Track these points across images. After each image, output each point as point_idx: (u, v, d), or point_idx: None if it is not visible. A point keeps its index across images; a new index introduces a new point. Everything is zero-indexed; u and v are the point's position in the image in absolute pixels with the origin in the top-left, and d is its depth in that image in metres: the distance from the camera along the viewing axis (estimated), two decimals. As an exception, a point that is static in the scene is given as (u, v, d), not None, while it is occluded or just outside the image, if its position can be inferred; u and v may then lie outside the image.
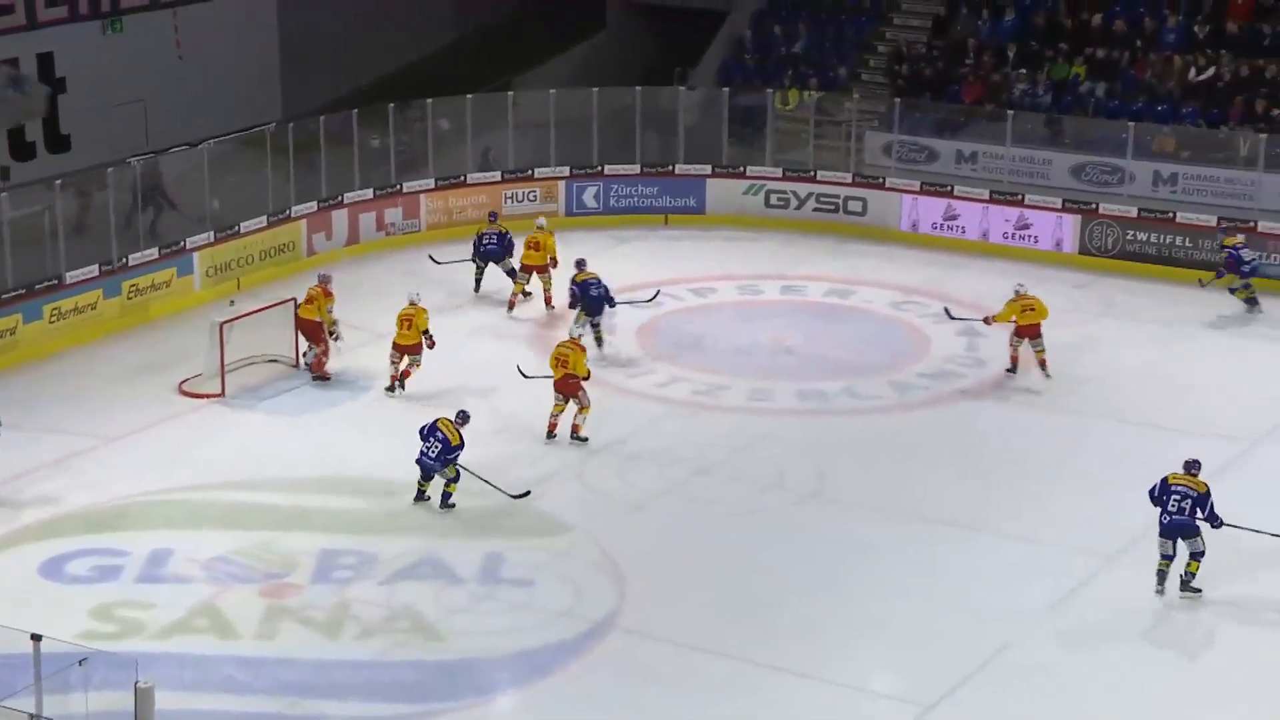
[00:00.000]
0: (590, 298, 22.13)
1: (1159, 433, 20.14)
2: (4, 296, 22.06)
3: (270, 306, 21.65)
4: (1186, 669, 15.47)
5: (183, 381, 21.18)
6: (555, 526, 17.81)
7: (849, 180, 28.07)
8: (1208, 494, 15.93)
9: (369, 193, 26.69)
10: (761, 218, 28.17)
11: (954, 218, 27.33)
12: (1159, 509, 16.06)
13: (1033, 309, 21.59)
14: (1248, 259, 24.01)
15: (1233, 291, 24.21)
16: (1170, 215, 26.08)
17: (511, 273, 24.21)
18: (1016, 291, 21.80)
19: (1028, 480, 19.04)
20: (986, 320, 22.23)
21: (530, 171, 27.99)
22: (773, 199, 28.31)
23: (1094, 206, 26.60)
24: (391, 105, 27.15)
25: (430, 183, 27.36)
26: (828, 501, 18.64)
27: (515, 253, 24.27)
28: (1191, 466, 16.17)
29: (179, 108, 28.44)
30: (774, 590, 16.59)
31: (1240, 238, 24.38)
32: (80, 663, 12.60)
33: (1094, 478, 19.03)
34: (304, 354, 21.55)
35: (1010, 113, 27.91)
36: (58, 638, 12.97)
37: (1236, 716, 14.56)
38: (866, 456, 19.78)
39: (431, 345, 20.97)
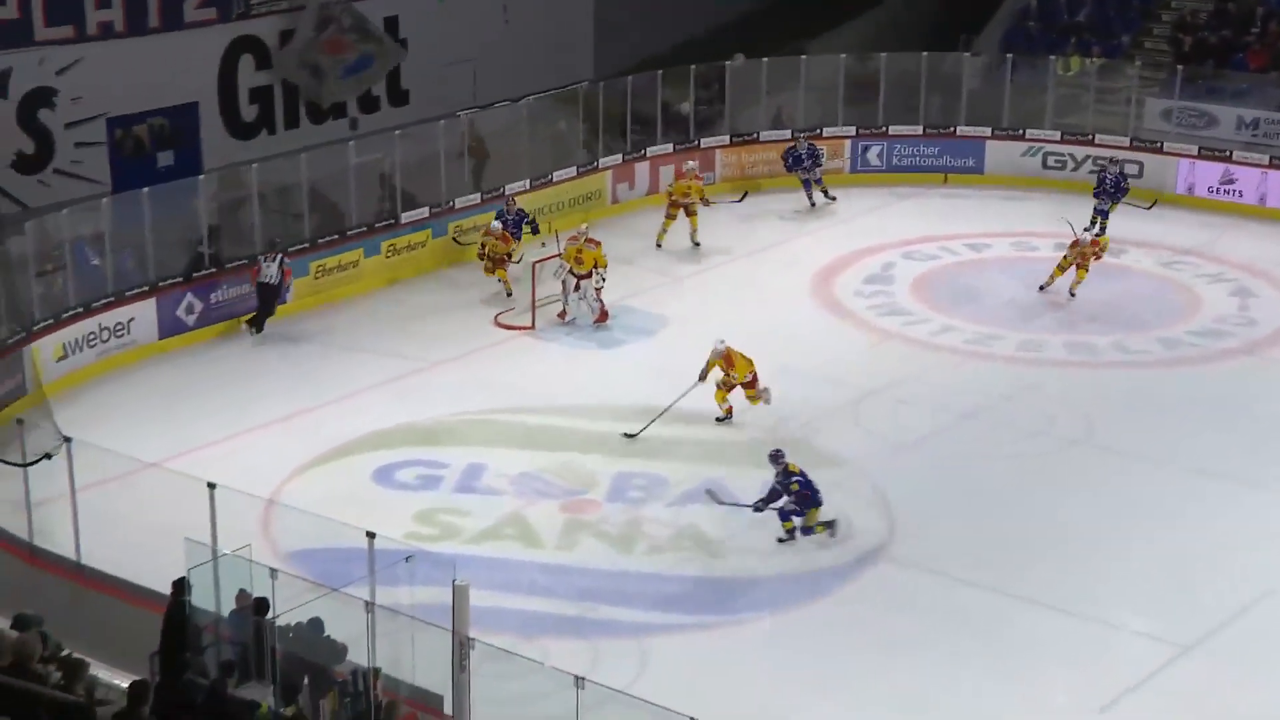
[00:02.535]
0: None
1: None
2: (349, 233, 23.00)
3: (572, 237, 21.91)
4: None
5: (498, 315, 21.80)
6: (830, 460, 17.78)
7: (1126, 144, 27.07)
8: None
9: (669, 147, 26.94)
10: (1038, 178, 27.39)
11: (1231, 181, 26.09)
12: None
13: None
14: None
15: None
16: None
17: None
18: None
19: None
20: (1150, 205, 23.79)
21: (819, 130, 27.80)
22: (1050, 160, 27.50)
23: (1381, 174, 25.14)
24: (693, 67, 27.29)
25: (726, 139, 27.45)
26: (1094, 449, 18.16)
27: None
28: None
29: (503, 68, 29.09)
30: (1035, 530, 16.30)
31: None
32: (407, 559, 13.15)
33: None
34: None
35: (1295, 81, 26.55)
36: (388, 536, 13.58)
37: None
38: (1133, 409, 19.19)
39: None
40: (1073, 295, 22.10)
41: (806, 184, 26.16)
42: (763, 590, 15.41)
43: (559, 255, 21.61)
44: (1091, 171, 25.06)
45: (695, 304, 22.32)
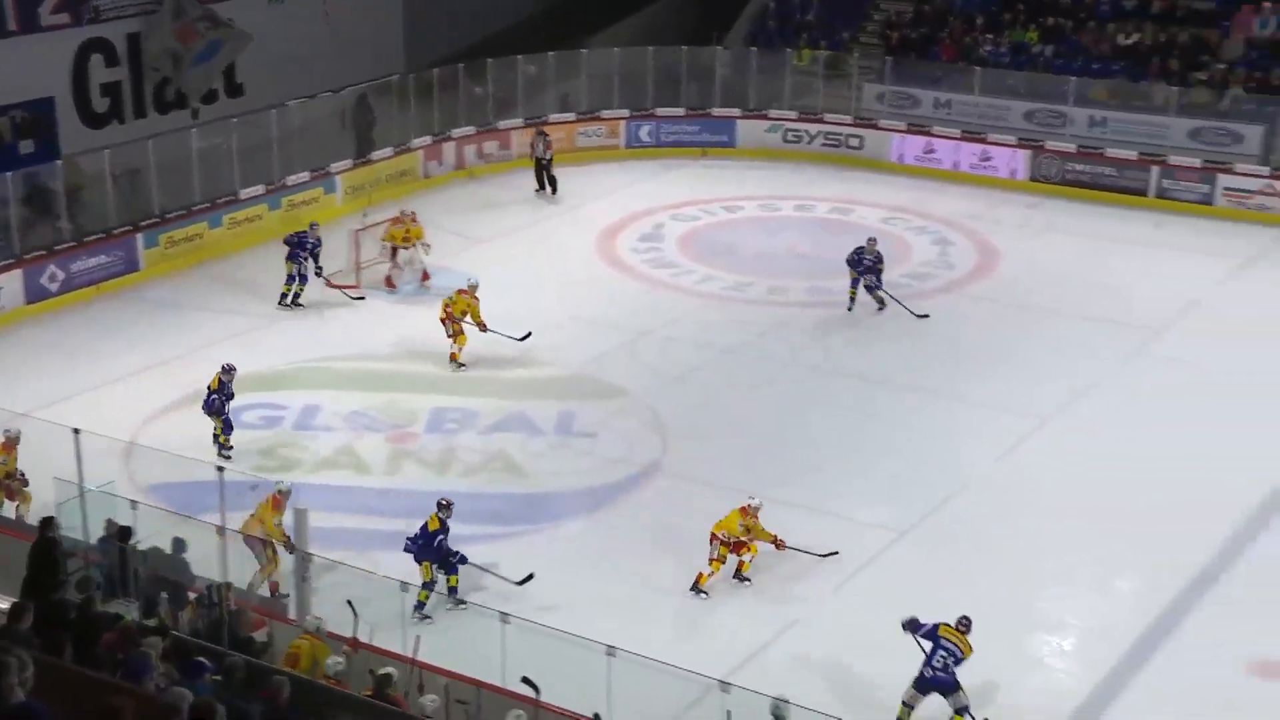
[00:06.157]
0: None
1: (1089, 323, 19.94)
2: (194, 208, 22.10)
3: (394, 220, 21.52)
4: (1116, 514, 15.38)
5: (329, 276, 21.18)
6: (614, 391, 17.84)
7: (850, 121, 27.61)
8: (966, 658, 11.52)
9: (471, 129, 26.49)
10: (780, 150, 27.78)
11: (932, 152, 26.88)
12: (924, 655, 11.48)
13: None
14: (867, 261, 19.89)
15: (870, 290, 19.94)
16: (1101, 151, 25.59)
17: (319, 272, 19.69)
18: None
19: (985, 359, 18.87)
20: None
21: (598, 112, 27.69)
22: (789, 135, 27.89)
23: (1042, 143, 26.12)
24: (489, 60, 26.86)
25: (519, 121, 27.12)
26: (830, 374, 18.54)
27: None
28: (962, 624, 11.59)
29: (326, 62, 28.17)
30: (787, 443, 16.59)
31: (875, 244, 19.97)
32: (252, 489, 12.79)
33: (1036, 358, 18.84)
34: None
35: (978, 69, 27.37)
36: (237, 469, 13.16)
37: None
38: (861, 339, 19.65)
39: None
40: (743, 580, 13.79)
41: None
42: (560, 503, 15.37)
43: (384, 237, 20.86)
44: (855, 252, 19.96)
45: (498, 263, 21.98)
